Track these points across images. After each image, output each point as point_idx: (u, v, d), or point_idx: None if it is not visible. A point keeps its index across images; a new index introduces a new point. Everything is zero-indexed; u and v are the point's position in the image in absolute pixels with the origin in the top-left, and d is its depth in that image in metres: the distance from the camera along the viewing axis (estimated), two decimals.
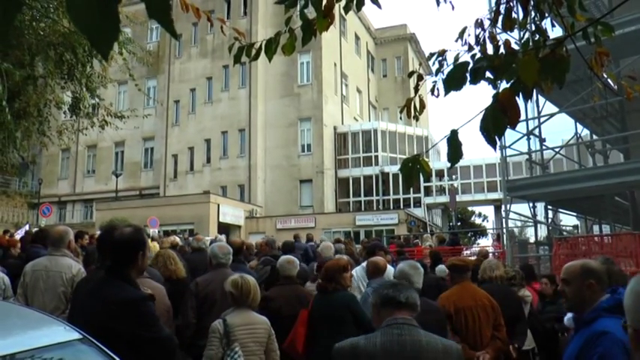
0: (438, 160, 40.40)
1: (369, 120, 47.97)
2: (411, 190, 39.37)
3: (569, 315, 6.07)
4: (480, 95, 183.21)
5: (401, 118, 45.89)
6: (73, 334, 2.83)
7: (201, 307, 5.42)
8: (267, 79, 41.22)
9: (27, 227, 18.16)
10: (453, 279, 5.82)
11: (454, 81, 2.07)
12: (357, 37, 48.63)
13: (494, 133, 1.94)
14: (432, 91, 3.52)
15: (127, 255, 3.48)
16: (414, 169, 2.30)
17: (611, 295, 2.90)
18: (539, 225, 14.86)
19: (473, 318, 5.47)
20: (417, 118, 3.66)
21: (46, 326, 2.91)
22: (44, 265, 5.11)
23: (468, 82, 2.15)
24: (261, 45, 2.82)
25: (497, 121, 1.92)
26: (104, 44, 0.97)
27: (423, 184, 39.24)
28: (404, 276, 4.83)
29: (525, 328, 6.32)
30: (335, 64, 43.12)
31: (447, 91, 2.11)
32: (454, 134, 2.12)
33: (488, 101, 1.96)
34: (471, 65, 2.15)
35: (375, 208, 38.98)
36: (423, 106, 3.49)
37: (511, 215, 14.12)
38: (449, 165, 27.89)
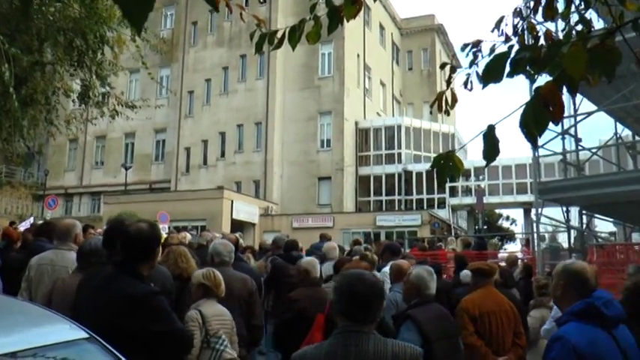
0: (465, 159, 40.22)
1: (393, 115, 47.84)
2: (435, 190, 39.22)
3: (546, 324, 6.47)
4: (507, 92, 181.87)
5: (431, 113, 45.68)
6: (79, 333, 2.83)
7: None
8: (286, 70, 41.28)
9: (31, 220, 18.31)
10: (477, 283, 5.97)
11: (493, 73, 2.03)
12: (381, 27, 48.49)
13: (535, 129, 1.90)
14: (466, 84, 3.47)
15: (143, 251, 3.52)
16: (447, 166, 2.27)
17: (584, 300, 3.00)
18: (572, 230, 14.70)
19: (496, 323, 5.63)
20: (447, 113, 3.62)
21: (50, 324, 2.91)
22: (50, 259, 5.13)
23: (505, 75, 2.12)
24: (284, 32, 2.79)
25: (538, 116, 1.88)
26: (138, 15, 0.94)
27: (448, 184, 39.05)
28: (420, 281, 4.94)
29: (527, 336, 6.46)
30: (358, 56, 43.05)
31: (484, 84, 2.07)
32: (491, 130, 2.08)
33: (517, 98, 1.92)
34: (511, 56, 2.11)
35: (396, 209, 38.88)
36: (455, 99, 3.44)
37: (542, 219, 13.98)
38: (476, 164, 27.76)
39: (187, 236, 9.78)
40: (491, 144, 2.04)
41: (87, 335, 2.83)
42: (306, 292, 5.93)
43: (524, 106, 1.95)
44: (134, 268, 3.46)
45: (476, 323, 5.60)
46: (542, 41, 3.07)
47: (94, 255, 4.61)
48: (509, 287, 7.84)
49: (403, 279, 6.23)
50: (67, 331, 2.83)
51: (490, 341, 5.60)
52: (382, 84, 48.07)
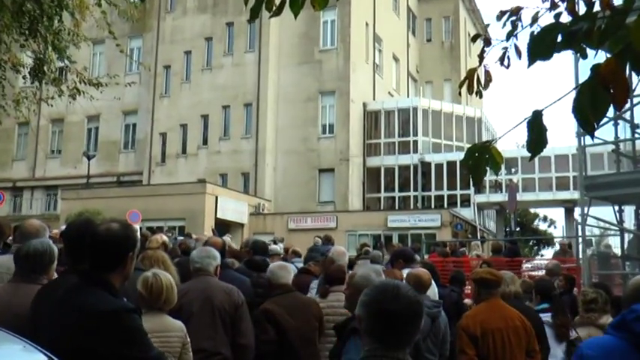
0: None
1: (408, 95, 47.81)
2: (458, 185, 39.25)
3: None
4: (537, 69, 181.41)
5: (460, 94, 45.68)
6: (36, 356, 2.80)
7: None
8: (282, 41, 41.25)
9: None
10: (480, 295, 6.11)
11: (541, 47, 2.01)
12: None
13: (592, 114, 1.88)
14: (502, 60, 3.45)
15: (114, 257, 3.48)
16: (482, 159, 2.25)
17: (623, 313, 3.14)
18: (626, 234, 14.68)
19: (502, 342, 5.72)
20: (480, 95, 3.61)
21: None
22: (7, 266, 5.04)
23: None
24: None
25: (596, 99, 1.86)
26: None
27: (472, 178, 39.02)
28: (368, 284, 4.89)
29: (546, 355, 6.59)
30: (366, 25, 43.01)
31: (532, 60, 2.06)
32: (538, 117, 2.07)
33: (550, 77, 1.90)
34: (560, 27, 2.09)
35: (412, 207, 38.88)
36: (489, 79, 3.43)
37: (589, 221, 13.95)
38: (507, 154, 27.68)
39: (163, 238, 9.73)
40: (538, 133, 2.03)
41: (45, 358, 2.81)
42: (281, 301, 6.15)
43: (578, 88, 1.93)
44: (103, 279, 3.43)
45: (477, 344, 5.69)
46: (597, 8, 3.05)
47: (31, 261, 4.57)
48: (549, 301, 7.86)
49: (421, 290, 6.39)
50: (19, 353, 2.81)
51: None
52: (395, 58, 48.00)
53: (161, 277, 4.96)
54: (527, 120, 2.09)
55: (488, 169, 2.37)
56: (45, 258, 4.63)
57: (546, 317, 7.40)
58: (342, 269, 7.41)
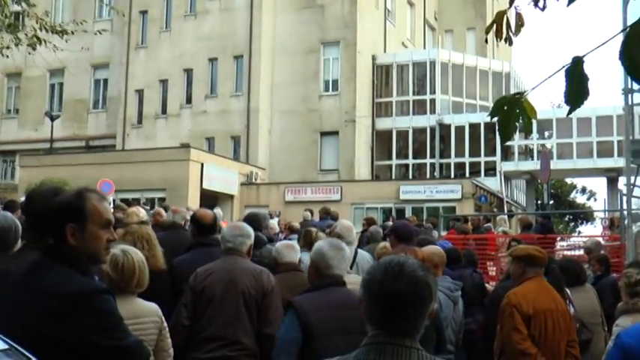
0: None
1: (424, 47, 47.60)
2: (482, 150, 39.23)
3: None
4: (572, 19, 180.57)
5: (486, 41, 45.53)
6: None
7: (196, 306, 5.78)
8: None
9: None
10: (525, 273, 6.24)
11: None
12: None
13: None
14: (536, 1, 3.41)
15: (48, 227, 3.52)
16: (512, 114, 2.23)
17: None
18: None
19: (553, 325, 5.96)
20: (509, 42, 3.57)
21: None
22: None
23: None
24: None
25: None
26: None
27: (499, 143, 38.98)
28: (319, 258, 5.13)
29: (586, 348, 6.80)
30: None
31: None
32: (578, 63, 2.04)
33: (587, 27, 1.88)
34: None
35: (428, 176, 38.92)
36: (521, 22, 3.40)
37: (635, 192, 13.94)
38: (540, 114, 27.58)
39: (141, 212, 9.77)
40: (578, 83, 2.01)
41: (6, 346, 2.82)
42: (284, 278, 6.42)
43: (627, 30, 1.91)
44: (72, 256, 3.43)
45: (529, 325, 5.87)
46: None
47: None
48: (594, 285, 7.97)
49: (436, 270, 6.63)
50: None
51: (545, 348, 5.88)
52: (410, 3, 47.73)
53: (132, 256, 4.99)
54: (565, 67, 2.07)
55: (518, 125, 2.35)
56: (10, 235, 4.64)
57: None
58: None
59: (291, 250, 6.87)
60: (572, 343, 6.07)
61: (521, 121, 2.35)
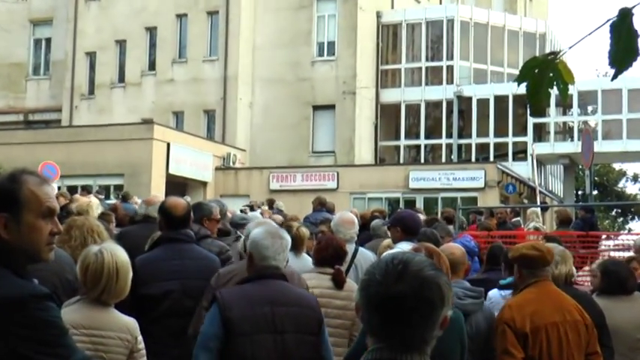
0: None
1: (440, 2, 47.53)
2: (510, 128, 39.23)
3: None
4: None
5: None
6: None
7: None
8: None
9: None
10: (523, 278, 6.19)
11: None
12: None
13: None
14: None
15: None
16: (545, 78, 2.21)
17: None
18: None
19: (559, 341, 5.82)
20: None
21: None
22: None
23: None
24: None
25: None
26: None
27: (531, 120, 39.01)
28: (254, 247, 5.41)
29: (610, 357, 6.69)
30: None
31: None
32: (626, 17, 2.02)
33: None
34: None
35: (444, 160, 38.98)
36: None
37: None
38: (580, 86, 27.87)
39: (94, 201, 9.80)
40: (626, 40, 1.99)
41: None
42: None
43: None
44: (3, 252, 3.40)
45: (526, 344, 5.78)
46: None
47: None
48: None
49: (452, 272, 6.50)
50: None
51: None
52: None
53: (104, 256, 5.03)
54: (610, 22, 2.05)
55: (553, 95, 2.31)
56: None
57: (506, 294, 7.64)
58: (340, 246, 7.51)
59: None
60: (592, 357, 5.97)
61: (555, 89, 2.33)
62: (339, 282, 7.11)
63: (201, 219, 8.96)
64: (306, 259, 8.29)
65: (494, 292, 8.47)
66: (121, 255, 5.14)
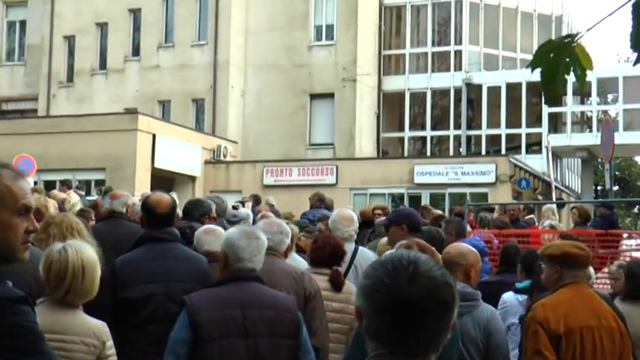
0: None
1: None
2: (524, 119, 39.20)
3: None
4: None
5: None
6: None
7: None
8: None
9: None
10: (562, 278, 6.10)
11: None
12: None
13: None
14: None
15: None
16: (561, 63, 2.21)
17: None
18: None
19: (593, 346, 5.78)
20: None
21: None
22: None
23: None
24: None
25: None
26: None
27: (546, 109, 39.01)
28: (229, 248, 5.57)
29: None
30: None
31: None
32: None
33: None
34: None
35: (452, 153, 39.00)
36: None
37: None
38: (599, 73, 27.86)
39: (73, 197, 9.85)
40: None
41: None
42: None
43: None
44: None
45: (559, 346, 5.73)
46: None
47: None
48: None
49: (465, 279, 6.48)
50: None
51: None
52: None
53: (68, 253, 4.98)
54: (632, 1, 2.05)
55: (570, 80, 2.31)
56: None
57: (522, 299, 7.65)
58: (338, 245, 7.54)
59: (210, 236, 7.16)
60: None
61: (572, 75, 2.33)
62: (336, 284, 7.14)
63: (202, 217, 9.03)
64: (296, 259, 8.28)
65: (509, 295, 8.43)
66: (87, 252, 5.11)
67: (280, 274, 6.29)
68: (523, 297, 7.94)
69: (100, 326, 5.03)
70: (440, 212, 18.62)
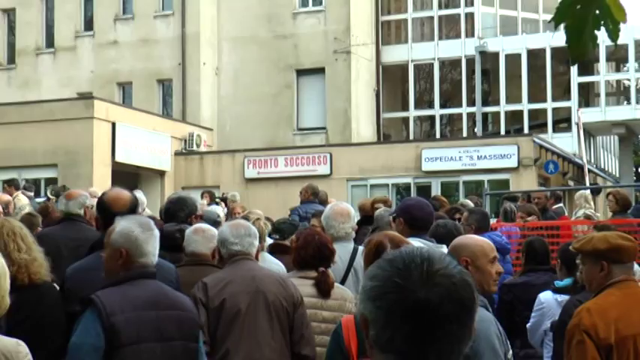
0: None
1: None
2: (548, 92, 39.18)
3: None
4: None
5: None
6: None
7: (215, 326, 6.62)
8: None
9: None
10: (609, 275, 6.00)
11: None
12: None
13: None
14: None
15: None
16: (589, 16, 2.24)
17: None
18: None
19: None
20: None
21: None
22: None
23: None
24: None
25: None
26: None
27: (575, 79, 39.02)
28: (127, 241, 5.61)
29: None
30: None
31: None
32: None
33: None
34: None
35: (465, 134, 39.03)
36: None
37: None
38: (638, 34, 28.01)
39: (21, 199, 9.89)
40: None
41: None
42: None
43: None
44: None
45: (610, 358, 5.61)
46: None
47: None
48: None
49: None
50: None
51: None
52: None
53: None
54: None
55: (601, 37, 2.33)
56: None
57: (562, 299, 7.64)
58: (323, 242, 7.56)
59: (198, 236, 7.72)
60: None
61: (603, 30, 2.36)
62: (323, 289, 7.18)
63: (189, 217, 9.13)
64: (269, 260, 8.41)
65: (547, 295, 8.41)
66: None
67: (267, 279, 6.63)
68: (563, 297, 7.89)
69: (12, 345, 4.97)
70: (456, 205, 18.62)
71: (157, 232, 5.76)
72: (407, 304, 2.54)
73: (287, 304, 6.53)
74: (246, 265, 6.78)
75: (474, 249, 5.96)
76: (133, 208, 7.33)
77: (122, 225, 5.67)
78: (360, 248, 8.60)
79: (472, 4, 40.94)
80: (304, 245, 7.43)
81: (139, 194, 14.71)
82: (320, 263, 7.25)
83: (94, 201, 10.59)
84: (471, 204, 17.08)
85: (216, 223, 10.45)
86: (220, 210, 14.68)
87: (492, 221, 16.75)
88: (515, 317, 9.30)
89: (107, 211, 7.10)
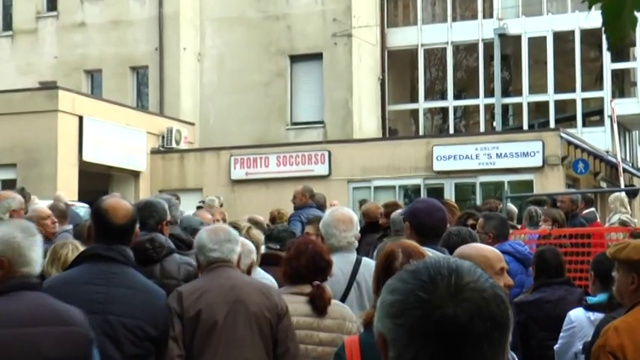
0: None
1: None
2: (577, 81, 39.22)
3: None
4: None
5: None
6: None
7: (191, 337, 6.84)
8: None
9: None
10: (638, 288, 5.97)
11: None
12: None
13: None
14: None
15: None
16: None
17: None
18: None
19: None
20: None
21: None
22: None
23: None
24: None
25: None
26: None
27: (609, 66, 39.05)
28: (10, 251, 5.53)
29: None
30: None
31: None
32: None
33: None
34: None
35: (483, 129, 39.05)
36: None
37: None
38: None
39: None
40: None
41: None
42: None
43: None
44: None
45: None
46: None
47: None
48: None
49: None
50: None
51: None
52: None
53: None
54: None
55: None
56: None
57: (596, 317, 7.60)
58: (318, 252, 7.57)
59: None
60: None
61: None
62: (319, 306, 7.14)
63: (159, 224, 8.96)
64: (260, 274, 8.44)
65: (578, 313, 8.41)
66: None
67: (248, 288, 6.80)
68: (597, 315, 7.89)
69: None
70: (469, 209, 18.58)
71: (40, 238, 5.69)
72: (432, 321, 2.52)
73: (270, 315, 6.67)
74: (226, 272, 6.93)
75: (476, 260, 5.52)
76: (132, 222, 7.17)
77: (2, 230, 5.65)
78: (365, 259, 8.55)
79: None
80: (296, 255, 7.40)
81: (117, 195, 14.78)
82: (314, 276, 7.20)
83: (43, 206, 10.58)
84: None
85: (196, 232, 10.45)
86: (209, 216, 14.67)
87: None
88: (531, 340, 9.31)
89: (103, 219, 6.84)
